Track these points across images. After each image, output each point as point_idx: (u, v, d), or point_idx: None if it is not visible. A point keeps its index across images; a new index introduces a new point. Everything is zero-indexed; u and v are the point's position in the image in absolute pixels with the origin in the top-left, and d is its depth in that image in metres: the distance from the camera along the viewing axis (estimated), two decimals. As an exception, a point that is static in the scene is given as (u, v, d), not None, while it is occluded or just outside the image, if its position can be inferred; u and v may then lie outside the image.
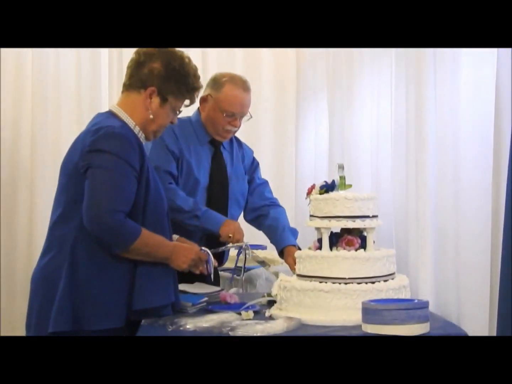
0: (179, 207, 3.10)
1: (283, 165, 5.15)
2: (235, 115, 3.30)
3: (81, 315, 2.49)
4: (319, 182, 2.85)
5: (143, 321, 2.63)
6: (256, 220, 3.51)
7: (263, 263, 3.39)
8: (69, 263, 2.51)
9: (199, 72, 2.77)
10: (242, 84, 3.33)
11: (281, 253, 3.35)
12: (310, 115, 4.82)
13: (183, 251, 2.66)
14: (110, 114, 2.69)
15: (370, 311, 2.36)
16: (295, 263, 2.97)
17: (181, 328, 2.51)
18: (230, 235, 3.11)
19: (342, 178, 2.80)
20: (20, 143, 4.97)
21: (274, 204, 3.54)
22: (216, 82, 3.32)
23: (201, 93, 3.02)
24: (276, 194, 5.06)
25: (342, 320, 2.51)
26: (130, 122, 2.65)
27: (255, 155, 4.79)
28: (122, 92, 2.74)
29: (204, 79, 3.27)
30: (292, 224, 4.91)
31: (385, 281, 2.62)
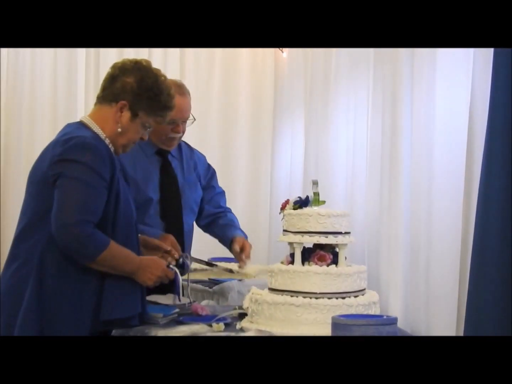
0: None
1: (259, 180, 5.17)
2: (176, 122, 3.19)
3: (46, 325, 2.48)
4: (293, 198, 2.87)
5: (113, 331, 2.63)
6: (209, 225, 3.49)
7: (230, 271, 3.37)
8: (36, 273, 2.49)
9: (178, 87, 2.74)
10: (178, 90, 3.15)
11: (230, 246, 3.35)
12: (287, 131, 4.85)
13: (150, 267, 2.64)
14: (81, 124, 2.67)
15: (340, 326, 2.38)
16: (241, 251, 3.12)
17: (151, 339, 2.52)
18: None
19: (316, 194, 2.83)
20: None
21: (229, 211, 3.53)
22: None
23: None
24: (250, 208, 5.10)
25: (312, 334, 2.53)
26: (101, 134, 2.64)
27: (231, 170, 4.80)
28: (95, 104, 2.74)
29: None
30: (266, 238, 4.96)
31: (355, 296, 2.65)
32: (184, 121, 3.26)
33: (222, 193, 3.57)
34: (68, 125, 2.72)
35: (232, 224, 3.43)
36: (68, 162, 2.51)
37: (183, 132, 3.29)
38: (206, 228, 3.53)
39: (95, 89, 4.67)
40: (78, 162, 2.50)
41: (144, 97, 2.65)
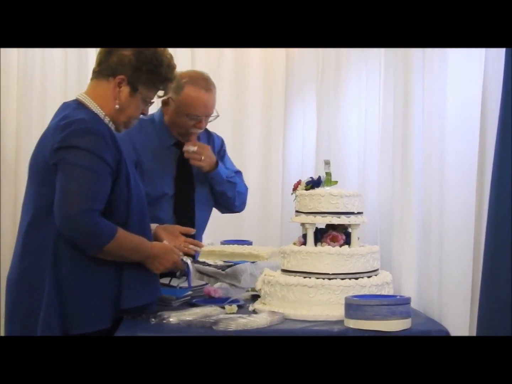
0: None
1: (271, 160, 5.15)
2: (199, 117, 3.12)
3: (69, 319, 2.42)
4: (305, 178, 2.86)
5: (124, 316, 2.61)
6: None
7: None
8: (52, 267, 2.41)
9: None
10: (204, 84, 3.11)
11: None
12: (298, 111, 4.83)
13: (160, 258, 2.57)
14: (78, 104, 2.55)
15: (353, 307, 2.37)
16: None
17: (164, 321, 2.50)
18: None
19: (328, 174, 2.81)
20: (5, 142, 4.93)
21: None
22: (176, 83, 2.96)
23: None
24: (263, 189, 5.08)
25: (325, 315, 2.53)
26: (100, 113, 2.52)
27: (243, 151, 4.76)
28: (91, 79, 2.61)
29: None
30: (278, 219, 4.95)
31: (368, 277, 2.64)
32: (208, 116, 3.17)
33: (238, 173, 3.48)
34: (65, 105, 2.60)
35: None
36: (69, 149, 2.40)
37: (205, 127, 3.22)
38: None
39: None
40: (79, 148, 2.39)
41: (144, 70, 2.52)
